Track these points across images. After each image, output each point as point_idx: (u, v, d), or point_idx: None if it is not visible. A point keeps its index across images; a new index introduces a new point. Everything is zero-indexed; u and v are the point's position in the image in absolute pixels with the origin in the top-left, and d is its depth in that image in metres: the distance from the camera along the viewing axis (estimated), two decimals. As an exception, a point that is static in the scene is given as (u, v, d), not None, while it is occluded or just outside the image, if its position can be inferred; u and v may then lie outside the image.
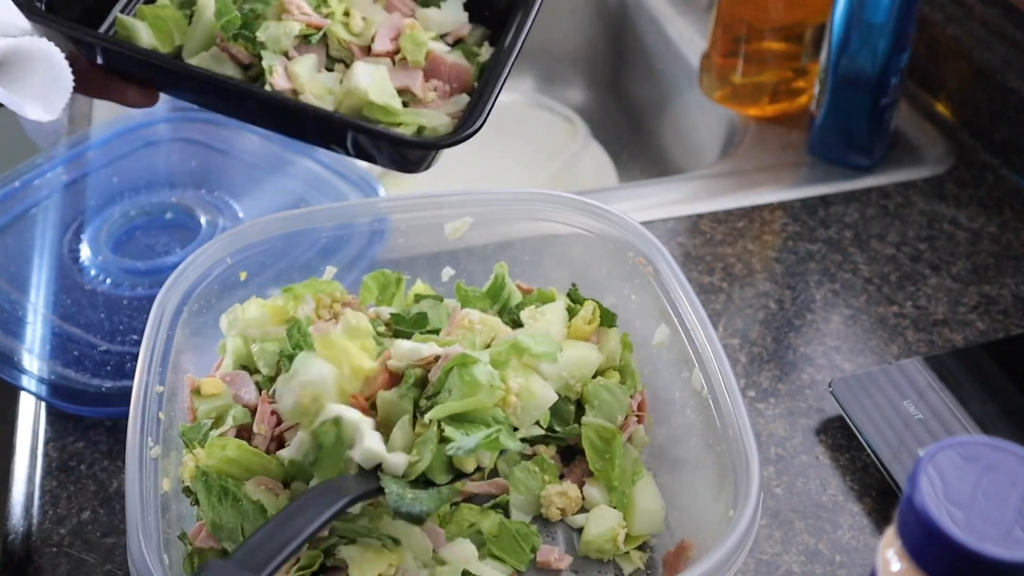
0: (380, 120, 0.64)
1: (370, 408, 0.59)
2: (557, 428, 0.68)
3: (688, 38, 1.16)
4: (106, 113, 1.00)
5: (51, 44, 0.56)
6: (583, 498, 0.67)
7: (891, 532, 0.47)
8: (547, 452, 0.69)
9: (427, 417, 0.58)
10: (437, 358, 0.60)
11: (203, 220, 0.86)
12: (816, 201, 0.94)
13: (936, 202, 0.95)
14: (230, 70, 0.66)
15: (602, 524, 0.64)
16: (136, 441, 0.58)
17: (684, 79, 1.14)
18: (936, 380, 0.74)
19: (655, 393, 0.70)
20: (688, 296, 0.67)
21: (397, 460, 0.57)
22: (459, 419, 0.58)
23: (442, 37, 0.71)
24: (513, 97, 1.26)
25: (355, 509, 0.59)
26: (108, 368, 0.73)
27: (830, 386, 0.74)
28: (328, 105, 0.65)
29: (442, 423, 0.58)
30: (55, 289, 0.79)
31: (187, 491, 0.60)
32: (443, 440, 0.57)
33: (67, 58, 0.58)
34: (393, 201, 0.75)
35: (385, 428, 0.59)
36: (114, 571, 0.64)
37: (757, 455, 0.57)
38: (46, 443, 0.72)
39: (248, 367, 0.70)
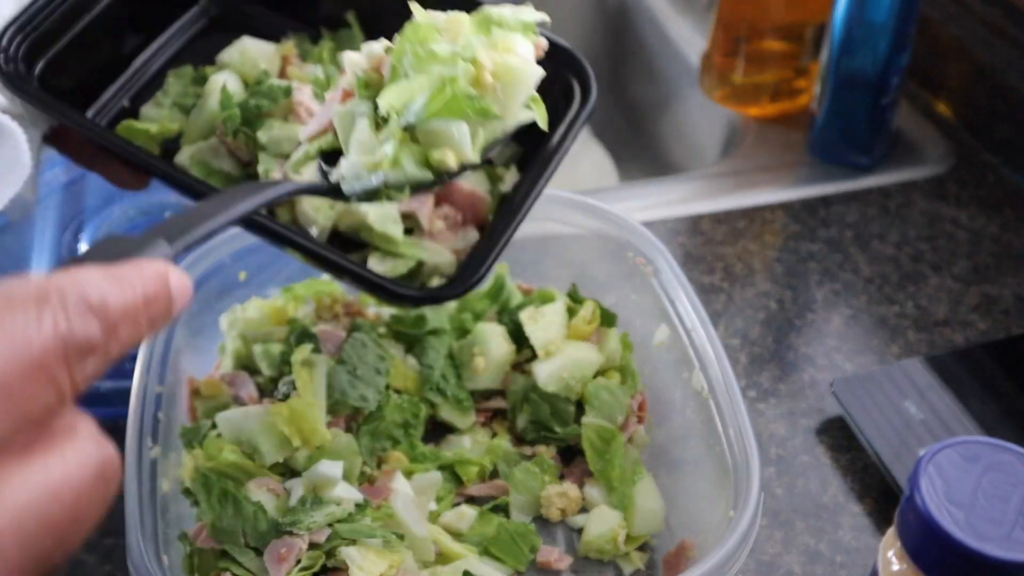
0: (378, 246, 0.57)
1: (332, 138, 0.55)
2: (557, 428, 0.68)
3: (688, 38, 1.16)
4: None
5: (14, 123, 0.52)
6: (583, 498, 0.67)
7: (892, 532, 0.47)
8: (547, 452, 0.69)
9: (383, 107, 0.51)
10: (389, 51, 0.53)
11: (203, 220, 0.86)
12: (817, 201, 0.94)
13: (937, 202, 0.95)
14: (227, 165, 0.60)
15: (602, 524, 0.64)
16: (135, 442, 0.58)
17: (684, 79, 1.14)
18: (937, 380, 0.74)
19: (655, 393, 0.70)
20: (688, 296, 0.67)
21: (352, 159, 0.52)
22: (427, 131, 0.51)
23: None
24: (513, 97, 1.25)
25: (350, 507, 0.59)
26: (107, 368, 0.73)
27: (831, 386, 0.74)
28: (325, 219, 0.57)
29: (412, 128, 0.51)
30: (55, 289, 0.79)
31: (187, 492, 0.60)
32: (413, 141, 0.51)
33: (61, 128, 0.56)
34: (393, 201, 0.75)
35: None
36: (114, 571, 0.64)
37: (757, 455, 0.57)
38: (46, 443, 0.71)
39: (248, 367, 0.70)
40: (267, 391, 0.68)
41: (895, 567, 0.46)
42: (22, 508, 0.29)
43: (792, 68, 1.01)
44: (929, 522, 0.42)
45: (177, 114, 0.61)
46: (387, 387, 0.67)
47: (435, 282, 0.56)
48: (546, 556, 0.63)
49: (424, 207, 0.56)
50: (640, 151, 1.24)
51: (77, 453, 0.31)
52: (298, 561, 0.57)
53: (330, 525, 0.58)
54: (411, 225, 0.58)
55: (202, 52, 0.64)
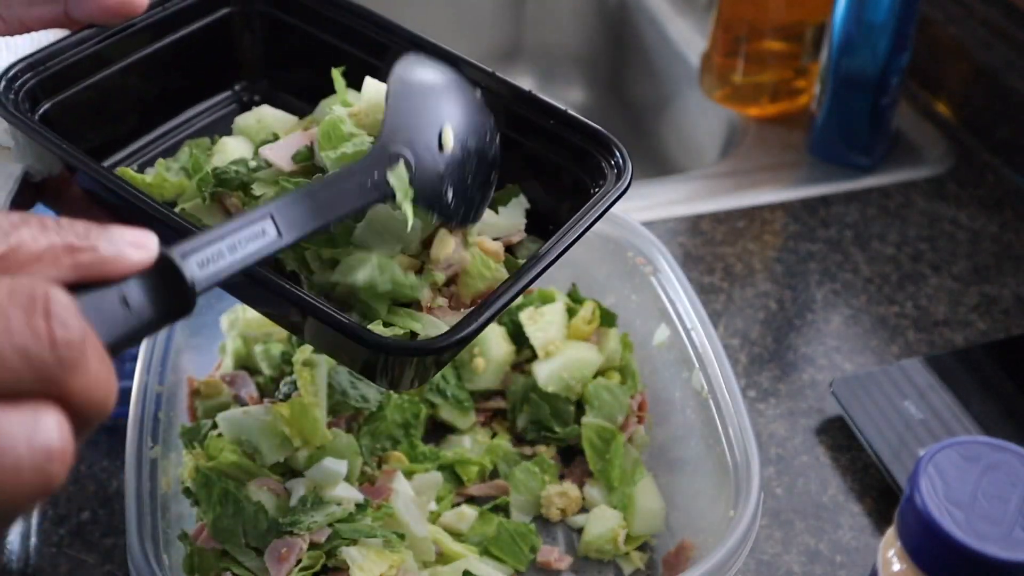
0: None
1: None
2: (557, 428, 0.69)
3: (688, 38, 1.16)
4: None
5: None
6: (583, 498, 0.67)
7: (891, 532, 0.47)
8: (547, 452, 0.69)
9: None
10: None
11: (203, 220, 0.86)
12: (816, 201, 0.94)
13: (937, 202, 0.95)
14: (218, 221, 0.56)
15: (602, 524, 0.64)
16: (136, 441, 0.58)
17: (684, 79, 1.14)
18: (937, 380, 0.74)
19: (655, 393, 0.70)
20: (688, 296, 0.67)
21: None
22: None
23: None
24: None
25: (350, 507, 0.60)
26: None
27: (831, 386, 0.74)
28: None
29: None
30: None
31: (187, 492, 0.60)
32: None
33: (56, 179, 0.55)
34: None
35: None
36: (114, 571, 0.64)
37: (757, 455, 0.57)
38: (46, 443, 0.71)
39: (248, 367, 0.70)
40: (267, 391, 0.68)
41: (895, 567, 0.46)
42: None
43: (792, 68, 1.01)
44: (929, 522, 0.42)
45: (183, 177, 0.59)
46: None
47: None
48: (546, 556, 0.63)
49: (425, 289, 0.53)
50: (640, 151, 1.24)
51: (28, 422, 0.31)
52: (298, 561, 0.57)
53: (330, 525, 0.58)
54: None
55: (225, 129, 0.63)
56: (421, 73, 0.56)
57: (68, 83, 0.58)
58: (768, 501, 0.69)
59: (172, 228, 0.50)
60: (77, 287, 0.34)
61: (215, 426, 0.62)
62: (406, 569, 0.58)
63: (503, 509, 0.67)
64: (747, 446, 0.58)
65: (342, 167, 0.50)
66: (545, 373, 0.68)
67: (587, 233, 0.68)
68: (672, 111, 1.18)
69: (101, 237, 0.35)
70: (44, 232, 0.34)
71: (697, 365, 0.64)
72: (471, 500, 0.67)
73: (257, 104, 0.63)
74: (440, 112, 0.54)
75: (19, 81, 0.55)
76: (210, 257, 0.39)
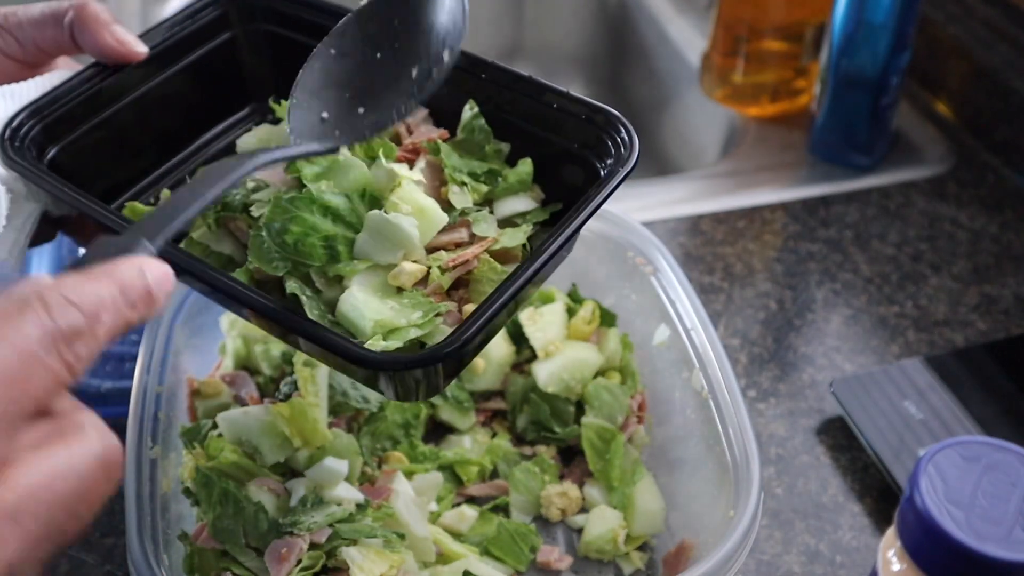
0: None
1: None
2: (557, 428, 0.69)
3: (688, 38, 1.16)
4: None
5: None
6: (583, 498, 0.67)
7: (891, 532, 0.47)
8: (547, 452, 0.69)
9: None
10: None
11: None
12: (817, 201, 0.94)
13: (937, 202, 0.95)
14: (227, 248, 0.56)
15: (602, 524, 0.64)
16: (135, 442, 0.58)
17: (684, 79, 1.14)
18: (937, 380, 0.74)
19: (655, 393, 0.70)
20: (688, 296, 0.67)
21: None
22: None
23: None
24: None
25: (350, 508, 0.60)
26: (107, 368, 0.73)
27: (831, 386, 0.74)
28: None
29: None
30: (55, 289, 0.79)
31: (187, 492, 0.60)
32: None
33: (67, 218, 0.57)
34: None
35: None
36: (114, 571, 0.64)
37: (757, 455, 0.57)
38: (46, 443, 0.71)
39: (248, 368, 0.70)
40: (267, 391, 0.68)
41: (895, 567, 0.46)
42: (37, 488, 0.34)
43: (792, 68, 1.01)
44: (929, 522, 0.42)
45: None
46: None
47: None
48: (546, 556, 0.63)
49: (416, 313, 0.51)
50: (640, 151, 1.24)
51: (83, 443, 0.36)
52: (299, 561, 0.57)
53: (331, 525, 0.58)
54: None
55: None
56: None
57: (74, 125, 0.58)
58: (768, 501, 0.69)
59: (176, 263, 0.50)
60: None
61: (215, 426, 0.62)
62: (406, 569, 0.58)
63: (503, 509, 0.67)
64: (747, 446, 0.58)
65: (303, 147, 0.52)
66: (545, 373, 0.68)
67: (587, 233, 0.68)
68: (672, 111, 1.18)
69: (147, 308, 0.40)
70: (115, 311, 0.39)
71: (697, 365, 0.64)
72: (471, 500, 0.67)
73: (273, 123, 0.62)
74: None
75: (23, 128, 0.55)
76: (170, 228, 0.43)
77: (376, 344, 0.47)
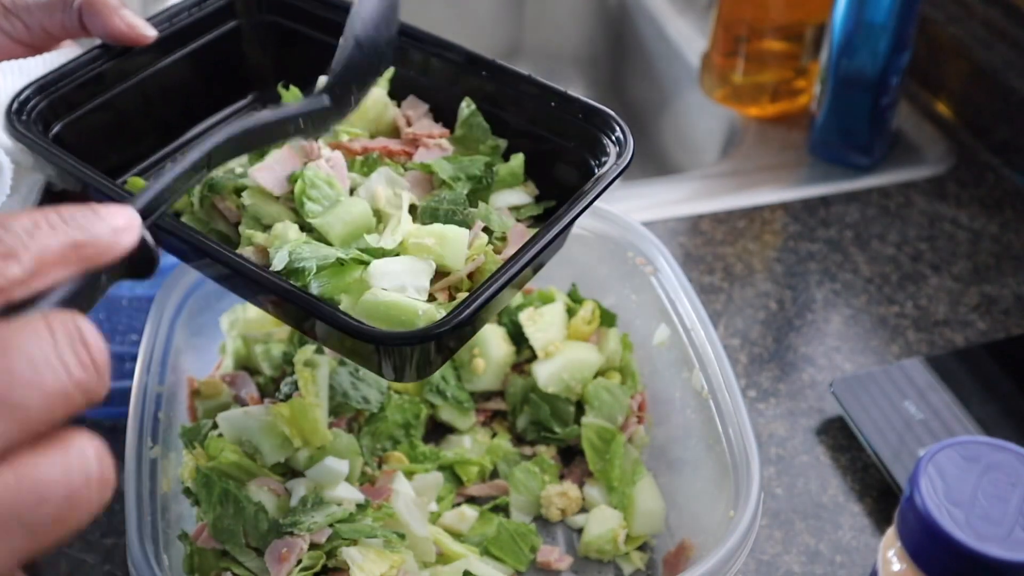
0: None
1: None
2: (557, 429, 0.68)
3: (688, 38, 1.16)
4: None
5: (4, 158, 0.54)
6: (583, 498, 0.67)
7: (891, 532, 0.47)
8: (547, 452, 0.69)
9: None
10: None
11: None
12: (816, 201, 0.94)
13: (937, 202, 0.95)
14: (221, 226, 0.57)
15: (602, 524, 0.64)
16: (135, 441, 0.58)
17: (684, 79, 1.14)
18: (937, 380, 0.74)
19: (655, 393, 0.70)
20: (688, 296, 0.66)
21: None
22: None
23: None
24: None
25: (351, 508, 0.60)
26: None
27: (831, 386, 0.74)
28: None
29: None
30: (55, 289, 0.79)
31: (187, 492, 0.60)
32: None
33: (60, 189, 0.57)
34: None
35: None
36: (114, 571, 0.64)
37: (757, 455, 0.57)
38: (46, 443, 0.71)
39: (249, 368, 0.70)
40: (268, 391, 0.68)
41: (895, 567, 0.46)
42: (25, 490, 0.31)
43: (792, 68, 1.01)
44: (929, 522, 0.42)
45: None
46: (387, 388, 0.68)
47: None
48: (546, 556, 0.63)
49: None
50: (640, 151, 1.24)
51: (67, 458, 0.32)
52: (299, 561, 0.57)
53: (331, 525, 0.58)
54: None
55: None
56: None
57: (79, 103, 0.58)
58: (768, 501, 0.69)
59: (175, 235, 0.50)
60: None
61: (215, 426, 0.62)
62: (406, 569, 0.58)
63: (503, 509, 0.67)
64: (747, 446, 0.58)
65: (280, 110, 0.52)
66: (545, 374, 0.68)
67: (587, 233, 0.69)
68: (672, 111, 1.18)
69: (97, 224, 0.36)
70: (54, 233, 0.34)
71: (697, 365, 0.64)
72: (471, 500, 0.67)
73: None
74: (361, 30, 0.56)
75: (30, 103, 0.56)
76: (153, 209, 0.42)
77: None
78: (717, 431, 0.60)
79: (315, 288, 0.50)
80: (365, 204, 0.55)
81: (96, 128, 0.59)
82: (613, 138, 0.56)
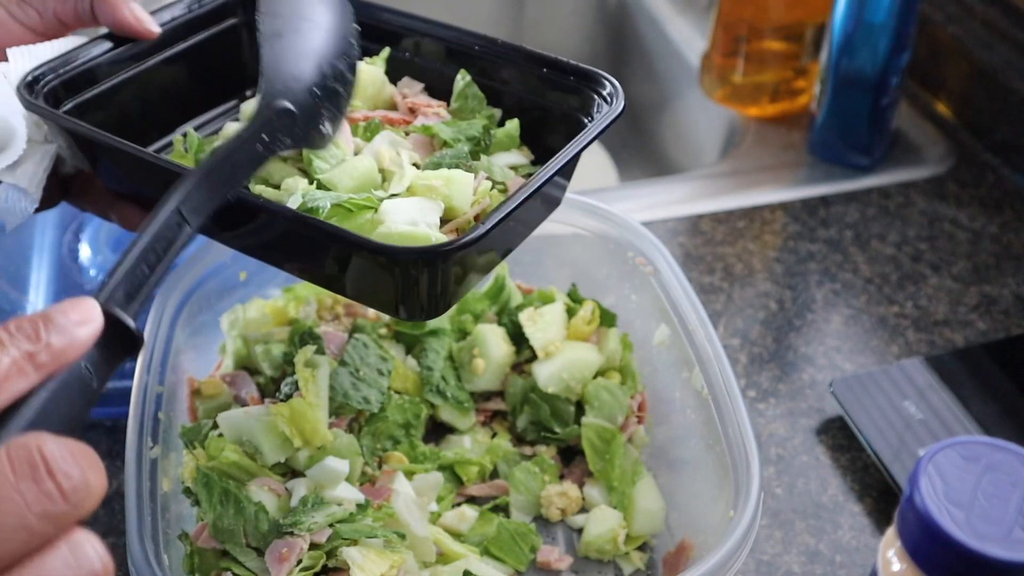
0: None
1: None
2: (557, 429, 0.68)
3: (688, 38, 1.16)
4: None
5: (20, 120, 0.56)
6: (583, 498, 0.67)
7: (891, 532, 0.47)
8: (547, 452, 0.69)
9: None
10: None
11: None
12: (816, 201, 0.94)
13: (937, 202, 0.95)
14: None
15: (602, 524, 0.64)
16: (135, 441, 0.58)
17: (684, 79, 1.14)
18: (937, 380, 0.74)
19: (655, 393, 0.70)
20: (688, 296, 0.66)
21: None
22: None
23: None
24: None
25: (351, 508, 0.60)
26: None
27: (831, 386, 0.74)
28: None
29: None
30: (55, 289, 0.79)
31: (187, 492, 0.60)
32: None
33: (82, 175, 0.59)
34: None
35: None
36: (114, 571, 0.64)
37: (757, 455, 0.57)
38: (46, 443, 0.71)
39: (249, 368, 0.70)
40: (268, 391, 0.68)
41: (895, 567, 0.46)
42: None
43: (792, 68, 1.01)
44: (929, 522, 0.42)
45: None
46: (388, 388, 0.68)
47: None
48: (546, 556, 0.63)
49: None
50: (640, 151, 1.24)
51: (69, 559, 0.33)
52: (299, 561, 0.57)
53: (331, 525, 0.58)
54: None
55: None
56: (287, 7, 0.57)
57: (85, 85, 0.60)
58: (768, 501, 0.69)
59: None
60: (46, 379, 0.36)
61: (215, 426, 0.62)
62: (407, 569, 0.58)
63: (503, 509, 0.67)
64: (747, 446, 0.58)
65: (233, 135, 0.51)
66: (545, 374, 0.68)
67: (587, 233, 0.69)
68: (672, 111, 1.18)
69: (51, 331, 0.37)
70: (3, 349, 0.35)
71: (697, 365, 0.64)
72: (471, 500, 0.67)
73: None
74: (312, 42, 0.56)
75: (41, 82, 0.58)
76: (135, 285, 0.42)
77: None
78: (717, 431, 0.60)
79: None
80: (371, 160, 0.57)
81: (96, 113, 0.60)
82: (605, 94, 0.59)
